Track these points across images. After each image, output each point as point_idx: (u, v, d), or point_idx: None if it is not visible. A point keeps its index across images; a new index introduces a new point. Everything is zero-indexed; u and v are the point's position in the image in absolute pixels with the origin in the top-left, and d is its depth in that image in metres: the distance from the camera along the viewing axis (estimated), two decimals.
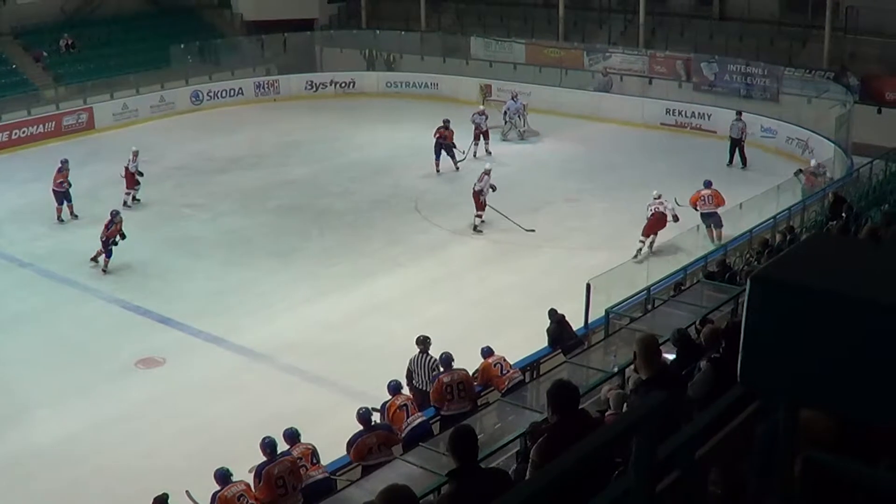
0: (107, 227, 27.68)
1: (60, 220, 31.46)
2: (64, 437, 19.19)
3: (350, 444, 15.98)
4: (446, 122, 35.87)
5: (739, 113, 37.76)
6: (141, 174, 32.86)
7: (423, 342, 18.76)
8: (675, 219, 27.19)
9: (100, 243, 27.25)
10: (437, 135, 35.76)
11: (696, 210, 27.43)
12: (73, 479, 17.91)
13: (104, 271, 27.56)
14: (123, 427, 19.56)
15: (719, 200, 27.56)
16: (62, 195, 31.37)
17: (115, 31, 49.63)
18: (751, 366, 3.58)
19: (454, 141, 35.74)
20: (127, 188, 32.70)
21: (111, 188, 34.56)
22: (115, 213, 28.34)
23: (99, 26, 49.50)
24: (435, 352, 18.67)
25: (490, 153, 37.66)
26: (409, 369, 18.69)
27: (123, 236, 27.79)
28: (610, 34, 48.59)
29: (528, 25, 50.73)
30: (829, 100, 38.38)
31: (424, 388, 18.16)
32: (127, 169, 32.52)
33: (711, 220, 27.35)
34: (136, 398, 20.78)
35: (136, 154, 32.72)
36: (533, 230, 29.58)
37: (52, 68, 46.58)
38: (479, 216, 29.70)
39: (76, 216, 31.75)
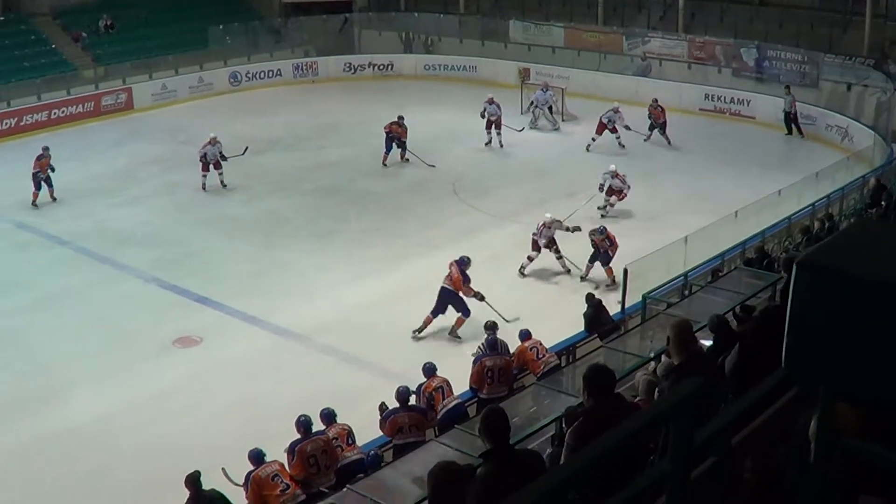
0: (37, 159, 30.41)
1: (35, 205, 31.49)
2: (101, 416, 19.29)
3: (384, 418, 16.12)
4: (401, 118, 35.43)
5: (788, 87, 38.95)
6: (224, 158, 32.78)
7: (492, 328, 18.69)
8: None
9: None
10: (388, 129, 35.35)
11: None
12: (108, 458, 18.00)
13: (34, 205, 30.46)
14: (160, 406, 19.65)
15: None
16: (42, 181, 31.43)
17: (155, 12, 49.64)
18: (796, 351, 3.57)
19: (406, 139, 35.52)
20: (216, 169, 32.77)
21: (149, 168, 34.82)
22: (45, 148, 30.87)
23: (138, 7, 49.51)
24: (477, 334, 18.68)
25: (502, 146, 37.33)
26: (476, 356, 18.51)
27: (52, 169, 30.53)
28: (649, 18, 48.39)
29: (567, 9, 50.48)
30: (869, 87, 38.17)
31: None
32: (206, 156, 32.53)
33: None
34: (173, 377, 20.86)
35: (213, 140, 32.60)
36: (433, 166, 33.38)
37: (91, 49, 46.69)
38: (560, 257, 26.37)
39: (55, 199, 31.86)
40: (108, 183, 33.51)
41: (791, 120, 38.67)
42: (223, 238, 28.60)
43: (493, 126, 37.17)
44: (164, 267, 26.21)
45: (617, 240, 24.98)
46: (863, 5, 40.76)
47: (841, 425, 4.17)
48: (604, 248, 24.77)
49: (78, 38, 46.61)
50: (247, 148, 33.81)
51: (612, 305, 21.87)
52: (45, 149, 31.71)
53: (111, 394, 20.13)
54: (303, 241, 28.38)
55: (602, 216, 28.96)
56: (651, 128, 37.79)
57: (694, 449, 4.00)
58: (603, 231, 24.89)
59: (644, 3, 49.21)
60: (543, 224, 25.62)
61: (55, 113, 41.47)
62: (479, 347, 18.70)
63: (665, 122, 37.46)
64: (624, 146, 36.79)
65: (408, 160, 34.98)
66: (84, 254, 27.52)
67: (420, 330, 22.45)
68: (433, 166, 34.52)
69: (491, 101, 37.25)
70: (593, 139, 36.99)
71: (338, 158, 35.97)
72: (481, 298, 22.45)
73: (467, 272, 22.62)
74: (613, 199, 29.57)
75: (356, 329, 22.81)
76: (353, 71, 50.40)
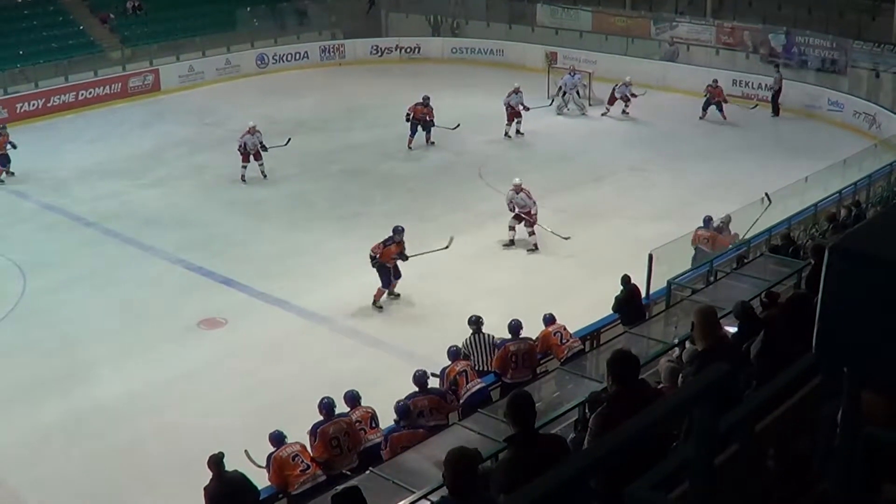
0: None
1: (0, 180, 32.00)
2: (125, 396, 19.38)
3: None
4: (426, 98, 35.24)
5: (777, 66, 40.63)
6: (265, 148, 32.25)
7: (476, 322, 18.65)
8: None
9: None
10: (412, 112, 35.11)
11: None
12: (133, 437, 18.07)
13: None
14: (184, 386, 19.73)
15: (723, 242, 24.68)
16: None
17: None
18: (827, 336, 3.56)
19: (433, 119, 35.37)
20: (256, 160, 32.26)
21: (175, 149, 34.94)
22: (1, 127, 31.59)
23: None
24: (498, 319, 18.69)
25: (522, 133, 37.06)
26: (463, 354, 18.20)
27: (14, 146, 31.58)
28: (677, 3, 48.26)
29: None
30: None
31: (484, 370, 18.10)
32: (245, 145, 32.09)
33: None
34: (198, 358, 20.95)
35: (252, 129, 32.12)
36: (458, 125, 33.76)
37: (118, 30, 46.76)
38: (532, 233, 27.00)
39: (12, 174, 32.21)
40: (134, 164, 33.60)
41: (774, 96, 39.98)
42: (249, 220, 28.67)
43: (515, 117, 36.76)
44: (189, 248, 26.29)
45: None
46: None
47: (867, 415, 4.16)
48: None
49: (105, 19, 46.71)
50: (289, 139, 33.65)
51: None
52: (3, 127, 32.29)
53: (136, 374, 20.22)
54: (328, 223, 28.41)
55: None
56: (706, 105, 38.23)
57: (718, 436, 4.00)
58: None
59: None
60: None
61: (82, 94, 41.59)
62: (463, 343, 18.57)
63: (722, 101, 38.02)
64: (627, 113, 38.83)
65: (433, 143, 34.87)
66: (110, 235, 27.62)
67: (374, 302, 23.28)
68: (458, 126, 34.76)
69: (517, 91, 36.80)
70: (607, 109, 39.16)
71: (364, 141, 35.99)
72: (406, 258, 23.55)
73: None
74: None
75: (380, 312, 22.85)
76: (379, 54, 50.45)
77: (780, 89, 39.74)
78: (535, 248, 26.24)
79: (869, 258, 3.44)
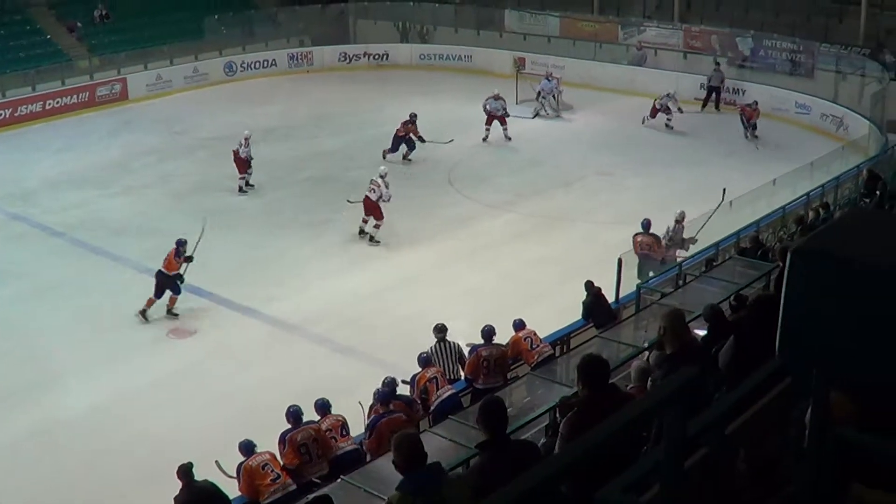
0: None
1: None
2: (94, 407, 19.31)
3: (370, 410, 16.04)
4: (413, 115, 34.48)
5: (718, 64, 41.27)
6: (251, 158, 32.03)
7: (441, 330, 18.64)
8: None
9: None
10: (401, 132, 34.24)
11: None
12: (101, 449, 18.00)
13: None
14: (153, 397, 19.66)
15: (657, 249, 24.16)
16: None
17: (150, 2, 49.54)
18: (789, 337, 3.57)
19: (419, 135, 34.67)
20: (240, 174, 32.01)
21: (144, 158, 34.82)
22: None
23: None
24: (468, 325, 18.70)
25: (510, 139, 36.80)
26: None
27: None
28: (645, 7, 48.49)
29: None
30: (864, 76, 38.22)
31: (448, 377, 18.03)
32: (237, 153, 31.84)
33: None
34: (167, 367, 20.90)
35: (247, 139, 31.84)
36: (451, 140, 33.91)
37: (86, 39, 46.58)
38: (378, 225, 27.78)
39: None
40: (102, 174, 33.45)
41: (715, 92, 41.11)
42: (217, 228, 28.50)
43: (498, 121, 36.62)
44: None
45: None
46: None
47: (835, 415, 4.17)
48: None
49: (73, 28, 46.54)
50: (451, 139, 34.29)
51: (607, 294, 21.85)
52: None
53: (105, 384, 20.13)
54: (297, 230, 28.37)
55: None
56: (748, 127, 37.25)
57: (688, 439, 3.99)
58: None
59: None
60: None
61: (50, 103, 41.37)
62: (428, 351, 18.52)
63: (755, 123, 37.08)
64: (672, 128, 37.87)
65: (410, 160, 34.57)
66: (78, 245, 27.50)
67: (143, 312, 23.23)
68: (451, 140, 34.63)
69: (497, 97, 36.84)
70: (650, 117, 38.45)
71: (332, 148, 35.96)
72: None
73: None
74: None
75: (349, 319, 22.84)
76: (348, 60, 50.37)
77: (718, 87, 41.09)
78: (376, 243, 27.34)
79: (829, 260, 3.46)
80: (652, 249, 23.38)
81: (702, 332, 11.33)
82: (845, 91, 38.30)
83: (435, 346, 18.46)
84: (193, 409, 19.20)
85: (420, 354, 17.38)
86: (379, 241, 27.23)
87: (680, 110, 38.13)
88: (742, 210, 25.84)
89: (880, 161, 30.19)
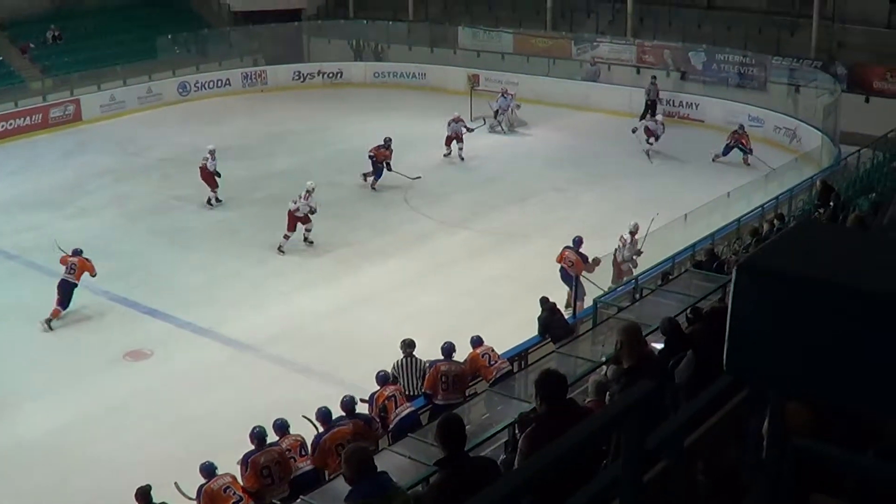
0: None
1: None
2: (52, 430, 19.18)
3: (329, 429, 15.95)
4: (387, 140, 34.02)
5: (654, 77, 41.71)
6: (219, 175, 32.23)
7: (409, 346, 18.61)
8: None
9: None
10: (374, 154, 33.80)
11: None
12: (59, 473, 17.90)
13: None
14: (111, 420, 19.55)
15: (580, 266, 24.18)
16: None
17: (102, 22, 49.54)
18: (736, 354, 3.58)
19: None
20: (211, 188, 32.25)
21: (98, 179, 34.64)
22: None
23: (86, 18, 49.43)
24: (427, 342, 18.69)
25: (463, 159, 36.75)
26: (392, 375, 18.17)
27: None
28: (598, 23, 48.59)
29: (516, 15, 50.70)
30: (816, 89, 38.50)
31: (412, 394, 18.06)
32: (204, 169, 32.01)
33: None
34: (124, 391, 20.76)
35: (212, 153, 32.10)
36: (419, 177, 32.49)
37: (39, 60, 46.40)
38: (287, 236, 28.55)
39: None
40: (56, 195, 33.26)
41: (652, 105, 41.01)
42: (173, 249, 28.49)
43: (455, 140, 36.70)
44: (113, 279, 26.03)
45: None
46: (810, 7, 41.10)
47: (792, 425, 4.18)
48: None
49: (26, 49, 46.36)
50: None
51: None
52: None
53: (62, 408, 20.00)
54: (252, 250, 28.29)
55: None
56: (728, 150, 35.74)
57: (647, 452, 4.00)
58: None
59: (593, 8, 49.41)
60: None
61: (2, 125, 41.11)
62: (394, 366, 18.54)
63: (748, 147, 35.62)
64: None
65: (375, 189, 34.12)
66: (33, 267, 27.28)
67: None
68: (419, 177, 34.21)
69: (457, 120, 36.90)
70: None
71: (287, 167, 35.85)
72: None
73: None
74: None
75: (308, 338, 22.79)
76: (302, 79, 50.30)
77: (655, 99, 41.15)
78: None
79: (774, 275, 3.47)
80: (573, 266, 23.42)
81: (659, 346, 11.36)
82: (798, 103, 38.57)
83: (401, 360, 18.48)
84: (152, 431, 19.10)
85: (378, 372, 17.32)
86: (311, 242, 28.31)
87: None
88: (697, 223, 25.97)
89: (834, 172, 30.40)
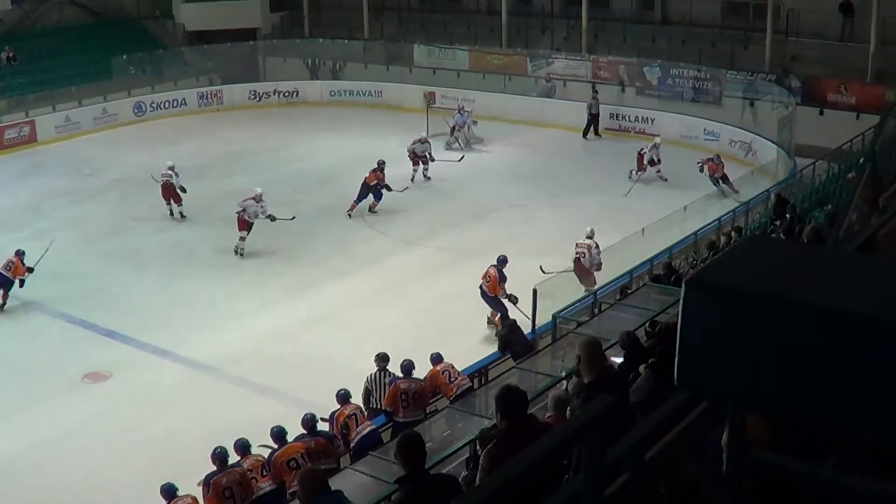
0: None
1: None
2: (8, 454, 18.99)
3: (281, 445, 15.93)
4: (381, 163, 33.35)
5: (596, 91, 42.48)
6: (184, 190, 32.80)
7: (383, 359, 18.62)
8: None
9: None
10: (371, 180, 32.95)
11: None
12: (15, 498, 17.74)
13: None
14: (69, 443, 19.38)
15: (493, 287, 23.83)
16: None
17: (57, 42, 49.41)
18: (687, 370, 3.60)
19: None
20: (177, 204, 32.80)
21: (54, 201, 34.42)
22: None
23: (40, 38, 49.30)
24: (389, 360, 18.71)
25: (429, 178, 36.60)
26: (366, 388, 18.45)
27: None
28: (553, 40, 48.73)
29: (472, 32, 50.80)
30: (771, 102, 38.76)
31: (382, 407, 18.07)
32: (168, 185, 32.48)
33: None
34: (83, 413, 20.60)
35: (173, 168, 32.64)
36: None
37: None
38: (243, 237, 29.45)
39: None
40: (11, 217, 33.07)
41: (594, 120, 41.69)
42: (130, 270, 28.36)
43: (421, 162, 36.37)
44: (71, 301, 25.91)
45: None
46: (763, 21, 41.41)
47: (751, 437, 4.19)
48: None
49: None
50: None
51: (523, 325, 21.90)
52: None
53: (19, 431, 19.84)
54: (211, 270, 28.22)
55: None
56: (716, 183, 33.80)
57: (608, 466, 4.01)
58: None
59: (548, 25, 49.59)
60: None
61: None
62: (367, 379, 18.62)
63: (722, 175, 34.06)
64: (666, 179, 35.07)
65: (376, 212, 33.20)
66: None
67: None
68: (407, 188, 34.08)
69: (423, 141, 36.66)
70: (637, 172, 35.19)
71: (245, 186, 35.55)
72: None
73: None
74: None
75: (267, 358, 22.72)
76: (258, 98, 50.26)
77: (597, 113, 41.75)
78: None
79: (723, 290, 3.50)
80: (490, 282, 23.40)
81: (618, 360, 11.40)
82: (753, 117, 38.82)
83: (375, 374, 18.55)
84: (111, 454, 18.98)
85: (339, 391, 17.30)
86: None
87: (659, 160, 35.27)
88: (655, 237, 26.06)
89: (790, 185, 30.59)
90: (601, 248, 24.99)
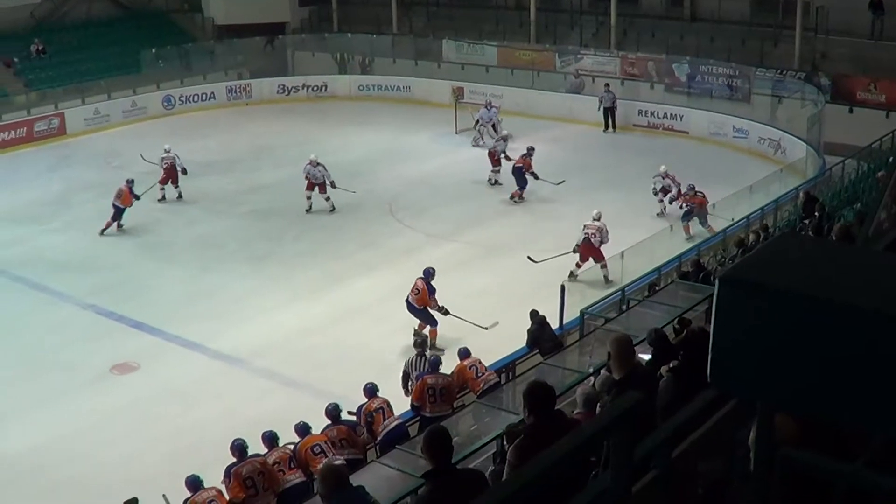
0: None
1: None
2: (37, 446, 19.05)
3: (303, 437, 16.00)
4: (530, 149, 33.57)
5: (607, 85, 42.53)
6: (185, 172, 33.79)
7: (421, 345, 18.84)
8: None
9: None
10: (520, 162, 33.24)
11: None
12: (46, 489, 17.78)
13: None
14: (97, 435, 19.46)
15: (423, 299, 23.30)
16: None
17: (86, 36, 49.54)
18: (720, 367, 3.59)
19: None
20: (174, 185, 33.87)
21: (83, 193, 34.51)
22: None
23: (69, 31, 49.43)
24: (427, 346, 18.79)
25: (501, 183, 35.22)
26: (405, 371, 18.85)
27: None
28: (581, 36, 48.62)
29: (500, 28, 50.77)
30: (800, 100, 38.62)
31: None
32: (172, 167, 33.42)
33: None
34: (111, 405, 20.66)
35: (168, 151, 33.68)
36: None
37: (22, 74, 46.37)
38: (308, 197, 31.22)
39: None
40: (41, 209, 33.21)
41: (610, 114, 42.13)
42: (160, 263, 28.43)
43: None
44: (100, 293, 26.00)
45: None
46: (793, 19, 41.15)
47: (780, 435, 4.19)
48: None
49: (9, 63, 46.25)
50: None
51: (550, 321, 21.88)
52: None
53: (49, 421, 19.90)
54: (239, 264, 28.25)
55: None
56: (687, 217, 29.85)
57: (635, 462, 4.01)
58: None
59: (576, 21, 49.44)
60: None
61: None
62: (406, 363, 18.80)
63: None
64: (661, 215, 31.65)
65: (521, 199, 33.35)
66: (19, 282, 27.23)
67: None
68: (563, 182, 33.63)
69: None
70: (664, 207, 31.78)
71: (273, 180, 35.80)
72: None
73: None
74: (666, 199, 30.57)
75: (295, 352, 22.73)
76: (286, 93, 50.25)
77: (611, 107, 42.10)
78: None
79: (756, 288, 3.48)
80: (419, 295, 23.14)
81: (646, 357, 11.38)
82: (782, 114, 38.67)
83: (414, 359, 18.92)
84: (139, 445, 19.03)
85: (366, 385, 17.32)
86: None
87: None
88: (683, 234, 25.99)
89: (818, 183, 30.46)
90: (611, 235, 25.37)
